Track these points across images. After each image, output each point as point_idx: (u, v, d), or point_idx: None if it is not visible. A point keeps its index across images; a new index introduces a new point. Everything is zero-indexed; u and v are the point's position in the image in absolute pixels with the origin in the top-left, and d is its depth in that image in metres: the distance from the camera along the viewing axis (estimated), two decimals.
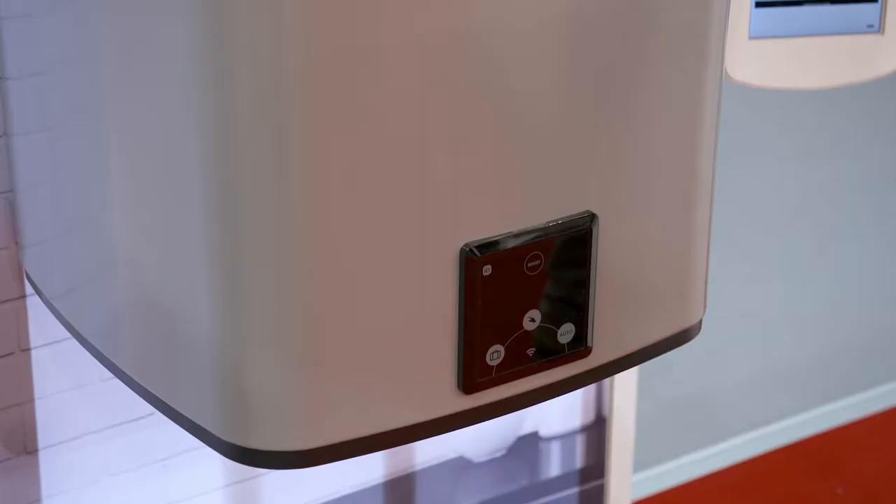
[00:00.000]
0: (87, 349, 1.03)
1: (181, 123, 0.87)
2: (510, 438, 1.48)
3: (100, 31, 0.93)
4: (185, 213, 0.88)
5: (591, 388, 1.50)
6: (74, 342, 1.06)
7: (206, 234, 0.87)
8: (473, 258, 0.90)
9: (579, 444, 1.52)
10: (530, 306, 0.92)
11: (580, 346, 0.96)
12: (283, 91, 0.83)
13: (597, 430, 1.53)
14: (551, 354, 0.94)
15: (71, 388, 1.17)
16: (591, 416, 1.52)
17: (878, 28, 1.14)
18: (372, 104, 0.85)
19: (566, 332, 0.94)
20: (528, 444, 1.49)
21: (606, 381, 1.51)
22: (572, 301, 0.94)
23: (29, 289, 1.13)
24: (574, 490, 1.54)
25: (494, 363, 0.92)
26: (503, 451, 1.48)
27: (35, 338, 1.15)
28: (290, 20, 0.82)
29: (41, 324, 1.14)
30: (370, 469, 1.38)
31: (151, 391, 0.96)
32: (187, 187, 0.87)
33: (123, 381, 0.99)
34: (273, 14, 0.82)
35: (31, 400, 1.16)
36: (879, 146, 2.40)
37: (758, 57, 1.16)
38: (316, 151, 0.84)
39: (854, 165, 2.38)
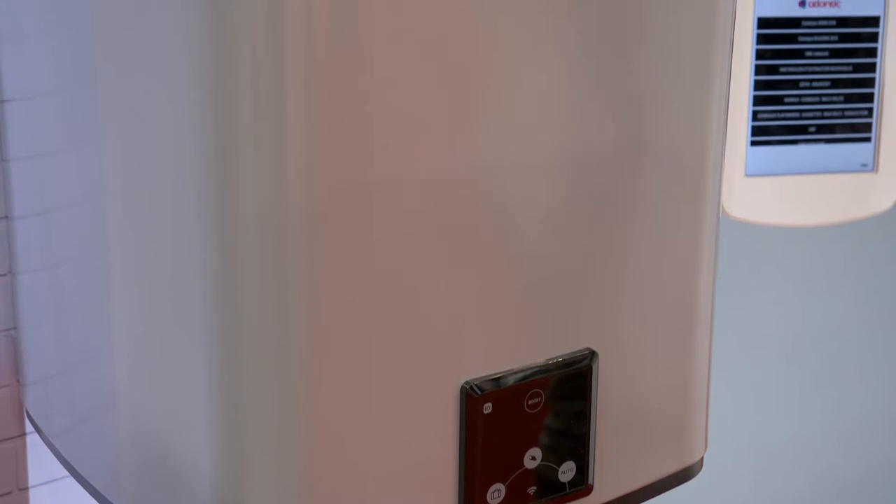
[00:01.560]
0: (85, 488, 1.03)
1: (184, 263, 0.87)
2: None
3: (105, 175, 0.94)
4: (187, 355, 0.88)
5: None
6: (73, 481, 1.05)
7: (206, 376, 0.87)
8: (474, 396, 0.90)
9: None
10: (531, 444, 0.92)
11: (581, 484, 0.95)
12: (285, 230, 0.84)
13: None
14: (552, 493, 0.94)
15: None
16: None
17: (871, 167, 1.16)
18: (373, 243, 0.86)
19: (567, 470, 0.94)
20: None
21: None
22: (573, 439, 0.94)
23: (29, 426, 1.13)
24: None
25: (496, 502, 0.91)
26: None
27: (34, 476, 1.14)
28: (292, 162, 0.83)
29: (40, 462, 1.14)
30: None
31: None
32: (189, 328, 0.88)
33: None
34: (277, 154, 0.83)
35: None
36: (879, 279, 2.41)
37: (754, 194, 1.18)
38: (316, 290, 0.85)
39: (854, 299, 2.39)
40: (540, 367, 0.92)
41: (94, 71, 0.94)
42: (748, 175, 1.18)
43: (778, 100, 1.16)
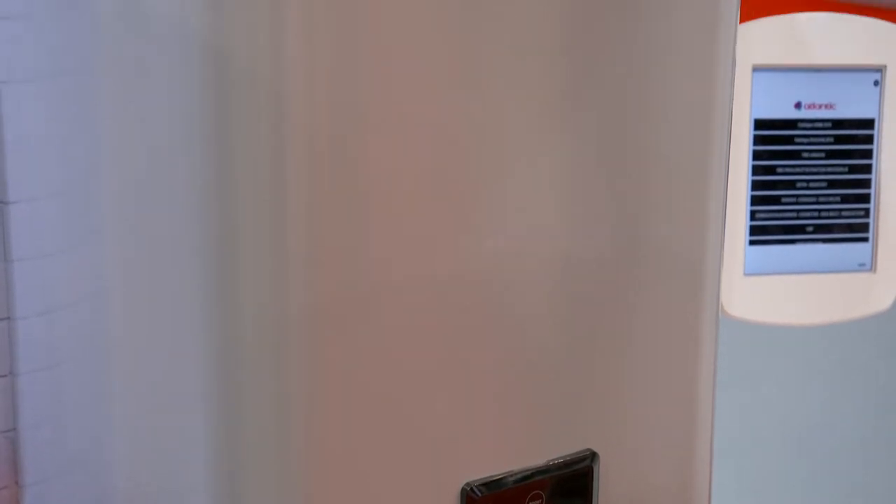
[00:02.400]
0: None
1: (184, 363, 0.88)
2: None
3: (107, 275, 0.94)
4: (186, 458, 0.88)
5: None
6: None
7: (204, 476, 0.87)
8: (474, 497, 0.89)
9: None
10: None
11: None
12: (285, 329, 0.84)
13: None
14: None
15: None
16: None
17: (869, 267, 1.17)
18: (373, 346, 0.86)
19: None
20: None
21: None
22: None
23: None
24: None
25: None
26: None
27: None
28: (293, 265, 0.84)
29: None
30: None
31: None
32: (188, 430, 0.88)
33: None
34: (277, 258, 0.84)
35: None
36: (881, 374, 2.41)
37: (753, 293, 1.18)
38: (316, 392, 0.85)
39: (855, 395, 2.38)
40: (540, 468, 0.92)
41: (98, 175, 0.95)
42: (747, 274, 1.19)
43: (775, 200, 1.17)
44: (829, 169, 1.17)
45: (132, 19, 0.92)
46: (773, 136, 1.17)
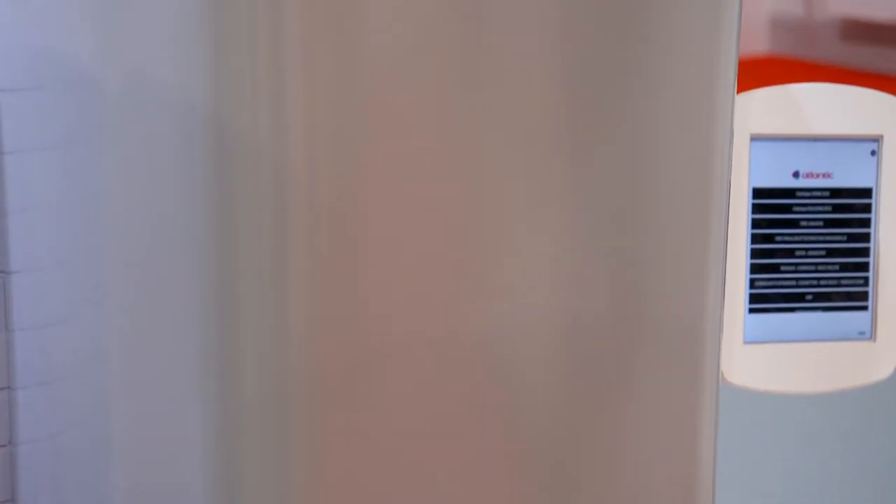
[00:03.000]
0: None
1: (185, 430, 0.87)
2: None
3: (106, 347, 0.94)
4: None
5: None
6: None
7: None
8: None
9: None
10: None
11: None
12: (286, 391, 0.84)
13: None
14: None
15: None
16: None
17: (869, 335, 1.17)
18: (373, 408, 0.86)
19: None
20: None
21: None
22: None
23: None
24: None
25: None
26: None
27: None
28: (294, 328, 0.84)
29: None
30: None
31: None
32: (190, 488, 0.87)
33: None
34: (279, 322, 0.84)
35: None
36: (881, 442, 2.40)
37: (754, 361, 1.18)
38: (316, 453, 0.85)
39: (854, 462, 2.37)
40: None
41: (101, 245, 0.95)
42: (747, 342, 1.19)
43: (775, 268, 1.17)
44: (828, 237, 1.18)
45: (138, 93, 0.92)
46: (771, 205, 1.17)
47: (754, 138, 1.16)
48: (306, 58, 0.87)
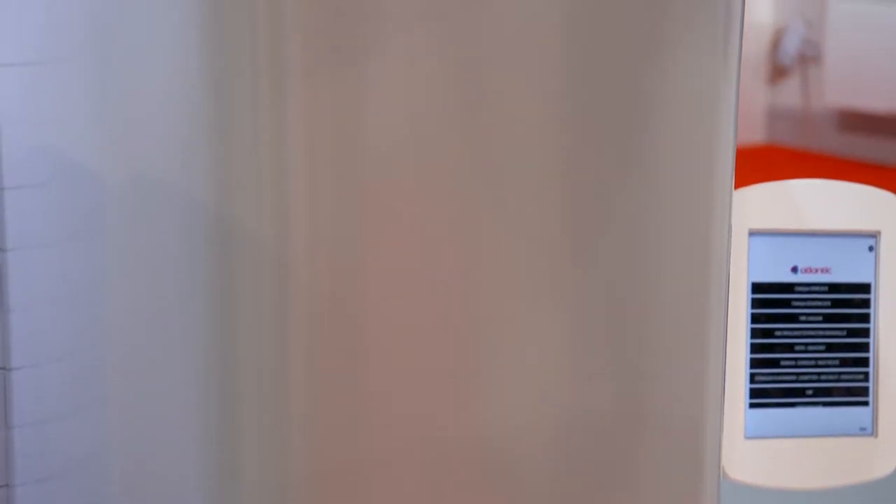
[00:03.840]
0: None
1: None
2: None
3: (105, 444, 0.94)
4: None
5: None
6: None
7: None
8: None
9: None
10: None
11: None
12: (285, 494, 0.84)
13: None
14: None
15: None
16: None
17: (871, 431, 1.17)
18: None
19: None
20: None
21: None
22: None
23: None
24: None
25: None
26: None
27: None
28: (294, 425, 0.84)
29: None
30: None
31: None
32: None
33: None
34: (279, 418, 0.84)
35: None
36: None
37: (755, 457, 1.18)
38: None
39: None
40: None
41: (101, 339, 0.96)
42: (748, 437, 1.18)
43: (774, 363, 1.18)
44: (827, 332, 1.18)
45: (140, 189, 0.93)
46: (770, 300, 1.18)
47: (753, 233, 1.17)
48: (309, 154, 0.88)
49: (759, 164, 4.78)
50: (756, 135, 5.17)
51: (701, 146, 1.01)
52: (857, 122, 4.95)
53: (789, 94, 5.14)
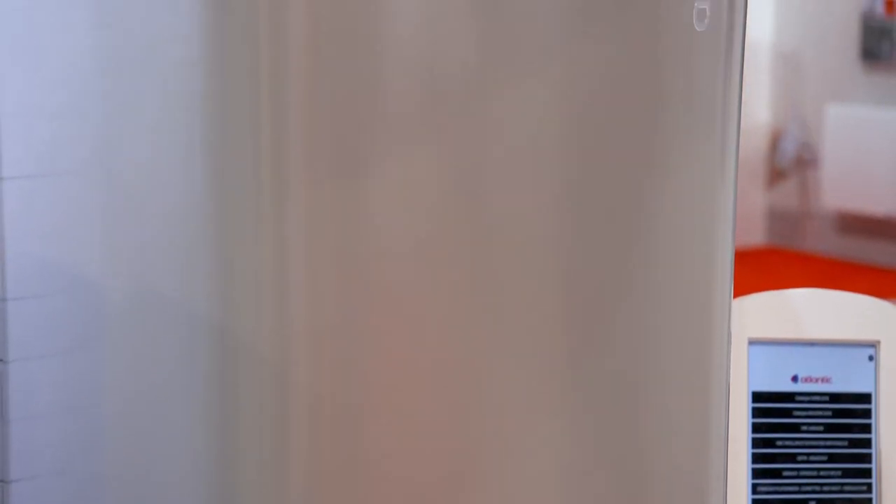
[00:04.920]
0: None
1: None
2: None
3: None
4: None
5: None
6: None
7: None
8: None
9: None
10: None
11: None
12: None
13: None
14: None
15: None
16: None
17: None
18: None
19: None
20: None
21: None
22: None
23: None
24: None
25: None
26: None
27: None
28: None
29: None
30: None
31: None
32: None
33: None
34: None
35: None
36: None
37: None
38: None
39: None
40: None
41: (101, 455, 0.95)
42: None
43: (777, 473, 1.17)
44: (829, 442, 1.18)
45: (142, 302, 0.94)
46: (771, 409, 1.18)
47: (752, 342, 1.17)
48: (310, 269, 0.89)
49: (758, 266, 4.79)
50: (755, 237, 5.20)
51: (699, 256, 1.01)
52: (856, 224, 4.97)
53: (787, 196, 5.17)
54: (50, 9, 0.96)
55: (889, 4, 4.76)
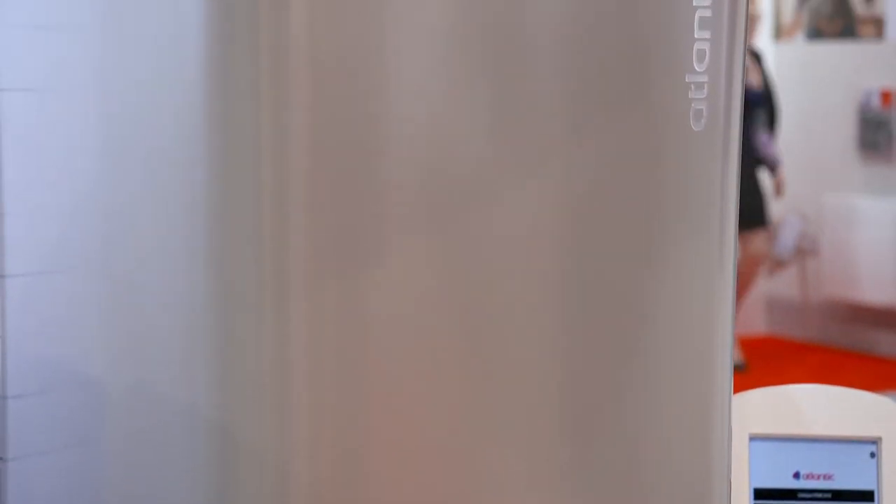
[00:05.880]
0: None
1: None
2: None
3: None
4: None
5: None
6: None
7: None
8: None
9: None
10: None
11: None
12: None
13: None
14: None
15: None
16: None
17: None
18: None
19: None
20: None
21: None
22: None
23: None
24: None
25: None
26: None
27: None
28: None
29: None
30: None
31: None
32: None
33: None
34: None
35: None
36: None
37: None
38: None
39: None
40: None
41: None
42: None
43: None
44: None
45: (142, 398, 0.94)
46: None
47: (753, 438, 1.17)
48: (312, 366, 0.89)
49: (759, 355, 4.78)
50: (756, 326, 5.19)
51: (698, 351, 1.01)
52: (856, 314, 4.97)
53: (787, 285, 5.17)
54: (57, 108, 0.97)
55: (885, 97, 4.80)
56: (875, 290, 4.79)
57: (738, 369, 4.32)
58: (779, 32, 5.18)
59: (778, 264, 5.13)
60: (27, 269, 0.99)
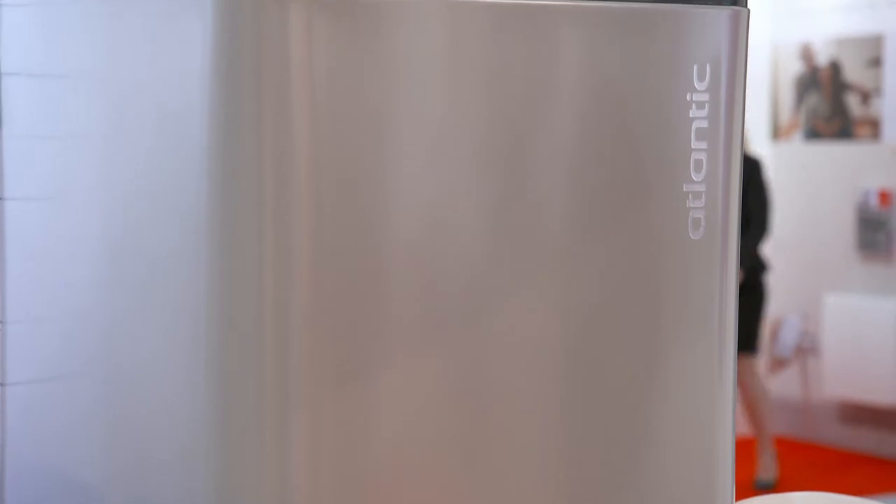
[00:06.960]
0: None
1: None
2: None
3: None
4: None
5: None
6: None
7: None
8: None
9: None
10: None
11: None
12: None
13: None
14: None
15: None
16: None
17: None
18: None
19: None
20: None
21: None
22: None
23: None
24: None
25: None
26: None
27: None
28: None
29: None
30: None
31: None
32: None
33: None
34: None
35: None
36: None
37: None
38: None
39: None
40: None
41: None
42: None
43: None
44: None
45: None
46: None
47: None
48: (312, 474, 0.89)
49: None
50: None
51: (698, 457, 1.01)
52: (858, 414, 4.95)
53: (789, 385, 5.16)
54: (60, 216, 0.98)
55: (883, 197, 4.82)
56: (877, 391, 4.78)
57: (766, 487, 4.26)
58: (776, 133, 5.22)
59: (779, 364, 5.12)
60: (28, 376, 0.99)
